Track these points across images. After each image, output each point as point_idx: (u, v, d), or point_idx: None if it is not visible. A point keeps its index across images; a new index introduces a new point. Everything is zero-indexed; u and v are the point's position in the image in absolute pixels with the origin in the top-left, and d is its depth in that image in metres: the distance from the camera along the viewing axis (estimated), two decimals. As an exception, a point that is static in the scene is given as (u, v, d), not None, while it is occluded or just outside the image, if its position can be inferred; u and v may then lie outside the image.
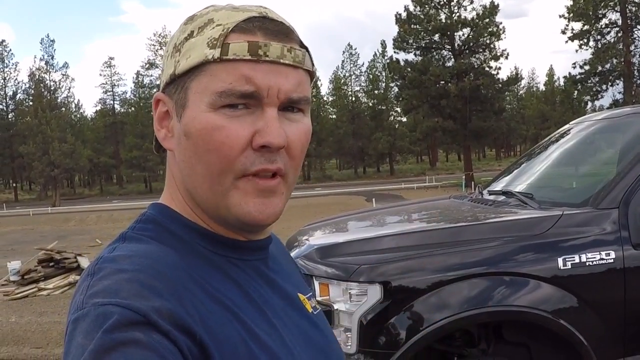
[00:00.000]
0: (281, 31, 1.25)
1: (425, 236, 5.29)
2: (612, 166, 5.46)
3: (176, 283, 1.13)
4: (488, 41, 76.07)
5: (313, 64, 1.33)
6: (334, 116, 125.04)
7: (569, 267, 4.59)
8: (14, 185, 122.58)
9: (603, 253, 4.64)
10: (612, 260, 4.65)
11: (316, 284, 4.85)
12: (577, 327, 4.57)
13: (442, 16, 77.63)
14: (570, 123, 7.28)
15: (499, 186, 6.84)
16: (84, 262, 16.20)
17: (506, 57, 75.88)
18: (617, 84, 67.96)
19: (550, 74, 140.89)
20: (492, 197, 6.43)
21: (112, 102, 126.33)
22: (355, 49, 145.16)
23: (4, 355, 10.06)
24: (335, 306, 4.70)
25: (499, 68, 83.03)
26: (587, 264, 4.61)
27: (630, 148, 5.43)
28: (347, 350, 4.62)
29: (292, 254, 5.40)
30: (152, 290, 1.08)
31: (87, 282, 1.13)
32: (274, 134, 1.20)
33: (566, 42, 72.84)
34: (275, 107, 1.22)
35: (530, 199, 5.67)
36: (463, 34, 77.23)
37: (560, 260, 4.59)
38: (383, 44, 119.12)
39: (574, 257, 4.60)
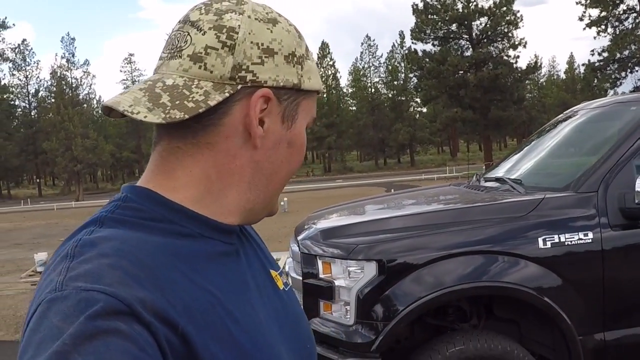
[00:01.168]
0: None
1: (417, 219, 5.65)
2: (598, 153, 5.71)
3: (158, 272, 1.13)
4: (506, 30, 76.04)
5: None
6: (353, 108, 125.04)
7: (549, 246, 4.90)
8: (38, 180, 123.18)
9: (581, 234, 4.94)
10: (590, 241, 4.93)
11: (319, 262, 5.26)
12: (559, 304, 4.86)
13: (459, 5, 77.57)
14: (565, 112, 7.62)
15: (495, 174, 7.16)
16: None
17: (524, 46, 75.76)
18: (637, 71, 67.51)
19: (571, 61, 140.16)
20: (486, 184, 6.79)
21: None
22: (374, 40, 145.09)
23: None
24: (336, 282, 5.08)
25: (518, 57, 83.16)
26: (566, 243, 4.91)
27: (612, 136, 5.75)
28: (346, 321, 5.01)
29: (300, 237, 5.85)
30: (135, 279, 1.08)
31: (66, 263, 1.11)
32: None
33: (584, 29, 72.44)
34: None
35: (519, 184, 6.00)
36: (480, 23, 77.21)
37: (540, 240, 4.91)
38: (401, 35, 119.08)
39: (553, 237, 4.91)
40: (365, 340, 4.91)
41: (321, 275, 5.22)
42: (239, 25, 1.27)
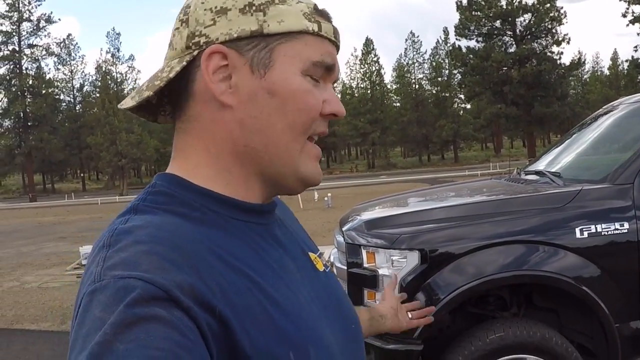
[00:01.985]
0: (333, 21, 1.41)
1: (458, 210, 5.79)
2: (635, 147, 5.75)
3: (194, 256, 1.14)
4: (549, 26, 75.58)
5: None
6: (397, 104, 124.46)
7: (586, 236, 5.01)
8: (82, 175, 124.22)
9: (617, 224, 5.04)
10: (626, 231, 5.04)
11: (363, 252, 5.40)
12: (597, 292, 4.96)
13: (503, 2, 77.23)
14: (605, 106, 7.72)
15: (535, 167, 7.27)
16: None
17: (568, 42, 75.25)
18: (680, 67, 67.06)
19: (614, 57, 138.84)
20: (526, 177, 6.90)
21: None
22: (418, 36, 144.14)
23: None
24: (380, 271, 5.22)
25: (562, 53, 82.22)
26: (602, 234, 5.02)
27: (649, 130, 5.86)
28: (390, 309, 5.16)
29: (344, 228, 5.98)
30: (173, 263, 1.08)
31: (103, 253, 1.12)
32: (341, 106, 1.39)
33: (627, 25, 71.72)
34: (331, 84, 1.41)
35: (558, 177, 6.12)
36: (524, 20, 76.81)
37: (577, 231, 5.02)
38: (445, 31, 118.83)
39: (590, 228, 5.02)
40: (407, 327, 5.01)
41: (365, 265, 5.34)
42: (189, 1, 1.37)
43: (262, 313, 1.17)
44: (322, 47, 1.34)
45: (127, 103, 1.37)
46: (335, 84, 1.47)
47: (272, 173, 1.35)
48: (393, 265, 5.20)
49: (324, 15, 1.36)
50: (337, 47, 1.41)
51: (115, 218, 1.26)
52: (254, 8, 1.29)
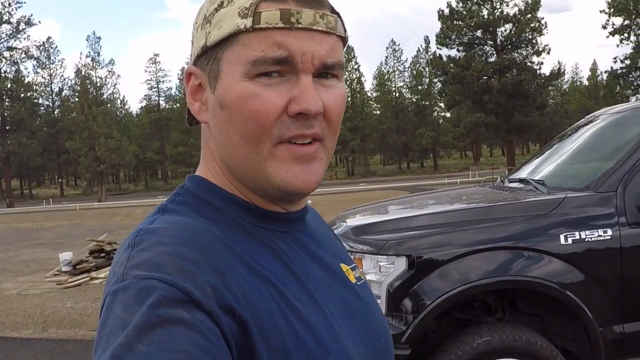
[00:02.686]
0: (313, 0, 1.25)
1: (444, 217, 5.89)
2: (617, 156, 5.90)
3: (218, 257, 1.13)
4: (530, 36, 75.70)
5: (345, 30, 1.33)
6: (377, 112, 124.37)
7: (570, 242, 5.12)
8: (60, 180, 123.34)
9: (601, 231, 5.16)
10: (609, 238, 5.15)
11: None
12: (580, 297, 5.07)
13: (484, 12, 77.37)
14: (586, 117, 7.87)
15: (518, 175, 7.37)
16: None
17: (548, 52, 75.34)
18: (659, 78, 67.56)
19: (594, 68, 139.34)
20: (510, 185, 7.01)
21: (157, 98, 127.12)
22: (399, 44, 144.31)
23: (62, 336, 10.64)
24: (367, 277, 5.16)
25: (542, 63, 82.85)
26: (586, 240, 5.13)
27: (631, 139, 5.93)
28: (376, 314, 5.23)
29: (331, 234, 6.07)
30: (196, 265, 1.08)
31: (127, 253, 1.12)
32: (311, 101, 1.20)
33: (607, 37, 72.26)
34: (310, 74, 1.23)
35: (542, 185, 6.22)
36: (505, 30, 76.86)
37: (562, 237, 5.13)
38: (426, 40, 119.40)
39: (574, 234, 5.13)
40: (395, 331, 5.05)
41: (351, 271, 5.39)
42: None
43: (283, 320, 1.15)
44: (265, 41, 1.20)
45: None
46: (329, 71, 1.28)
47: (252, 185, 1.31)
48: (380, 271, 5.27)
49: None
50: (306, 29, 1.22)
51: (145, 218, 1.27)
52: (205, 20, 1.28)
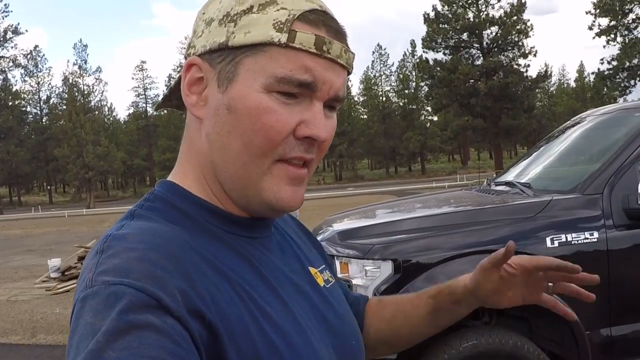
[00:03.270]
0: (340, 31, 1.28)
1: (430, 220, 5.86)
2: (603, 158, 5.89)
3: (187, 263, 1.13)
4: (516, 39, 76.34)
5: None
6: (365, 116, 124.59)
7: (556, 245, 5.08)
8: (49, 187, 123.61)
9: (587, 233, 5.13)
10: (595, 240, 5.12)
11: (337, 263, 5.43)
12: (567, 300, 5.08)
13: (470, 15, 77.99)
14: (573, 119, 7.86)
15: (504, 178, 7.37)
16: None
17: (535, 55, 76.06)
18: (646, 79, 67.78)
19: (581, 70, 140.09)
20: (497, 188, 6.99)
21: (144, 105, 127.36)
22: (385, 48, 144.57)
23: (51, 342, 10.62)
24: (354, 281, 5.26)
25: (528, 65, 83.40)
26: (572, 243, 5.11)
27: (617, 141, 5.93)
28: (363, 319, 5.20)
29: (318, 238, 6.04)
30: (164, 270, 1.07)
31: (95, 259, 1.11)
32: (322, 128, 1.24)
33: (594, 38, 72.50)
34: (322, 102, 1.26)
35: (528, 187, 6.21)
36: (491, 32, 77.54)
37: (548, 240, 5.11)
38: (413, 44, 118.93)
39: (560, 237, 5.11)
40: (381, 336, 5.06)
41: (339, 275, 5.36)
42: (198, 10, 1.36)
43: (253, 324, 1.16)
44: (294, 61, 1.20)
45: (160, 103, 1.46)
46: (334, 104, 1.32)
47: (236, 195, 1.31)
48: (367, 275, 5.24)
49: (313, 22, 1.24)
50: (332, 60, 1.25)
51: (114, 224, 1.26)
52: (229, 19, 1.25)
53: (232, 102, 1.23)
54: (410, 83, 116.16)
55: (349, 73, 1.34)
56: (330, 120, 1.30)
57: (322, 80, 1.23)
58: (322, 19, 1.25)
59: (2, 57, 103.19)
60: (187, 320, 1.04)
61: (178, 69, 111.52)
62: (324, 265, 1.61)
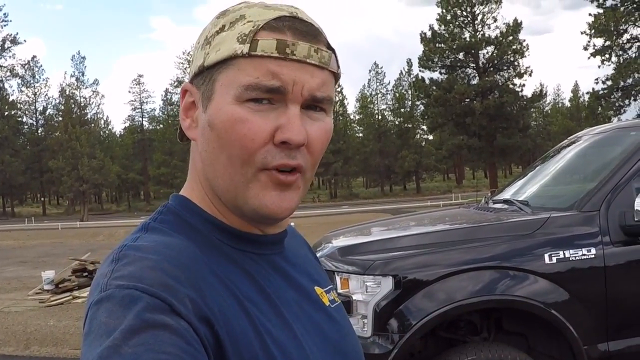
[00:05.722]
0: (309, 32, 1.29)
1: (430, 237, 5.94)
2: (600, 176, 5.96)
3: (197, 275, 1.17)
4: (512, 59, 76.27)
5: (339, 66, 1.38)
6: (360, 135, 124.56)
7: (555, 262, 5.17)
8: (42, 199, 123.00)
9: (585, 250, 5.21)
10: (593, 256, 5.21)
11: (338, 279, 5.48)
12: (565, 316, 5.10)
13: (467, 35, 78.01)
14: (569, 138, 7.97)
15: (502, 196, 7.44)
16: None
17: (530, 74, 75.95)
18: (640, 99, 67.86)
19: (575, 89, 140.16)
20: (495, 205, 7.06)
21: (140, 119, 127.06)
22: (382, 67, 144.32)
23: (45, 354, 10.66)
24: (354, 297, 5.31)
25: (524, 85, 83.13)
26: (570, 259, 5.19)
27: (613, 159, 6.03)
28: (363, 334, 5.22)
29: (317, 255, 6.09)
30: (175, 280, 1.11)
31: (111, 267, 1.15)
32: (295, 131, 1.24)
33: (588, 58, 72.42)
34: (298, 105, 1.26)
35: (526, 205, 6.29)
36: (487, 52, 77.41)
37: (546, 256, 5.19)
38: (409, 63, 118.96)
39: (558, 253, 5.18)
40: (382, 351, 5.10)
41: (339, 290, 5.39)
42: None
43: (256, 339, 1.19)
44: (259, 69, 1.24)
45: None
46: (317, 104, 1.32)
47: (231, 207, 1.34)
48: (367, 291, 5.29)
49: (277, 28, 1.27)
50: (300, 61, 1.26)
51: (128, 235, 1.31)
52: (206, 41, 1.32)
53: (211, 119, 1.28)
54: (406, 102, 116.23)
55: (336, 73, 1.37)
56: (317, 122, 1.32)
57: (291, 82, 1.24)
58: (287, 24, 1.28)
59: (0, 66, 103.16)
60: (197, 325, 1.08)
61: (175, 84, 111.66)
62: (331, 286, 1.63)
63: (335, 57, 1.36)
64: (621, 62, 67.19)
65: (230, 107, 1.24)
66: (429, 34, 78.33)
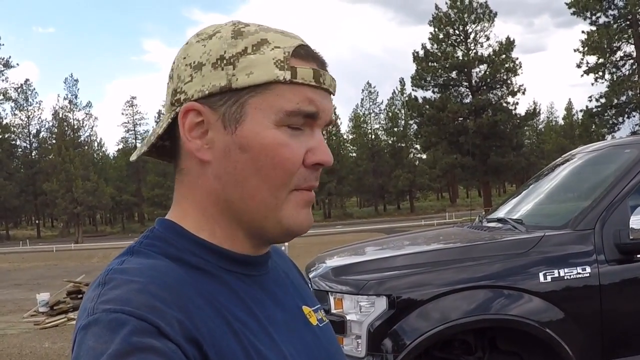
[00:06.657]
0: (325, 62, 1.37)
1: (424, 256, 5.93)
2: (594, 194, 5.97)
3: (184, 297, 1.17)
4: (505, 77, 76.63)
5: None
6: (354, 154, 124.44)
7: (549, 280, 5.16)
8: (37, 222, 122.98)
9: (580, 268, 5.20)
10: (588, 275, 5.19)
11: (331, 299, 5.47)
12: (560, 335, 5.09)
13: (459, 53, 78.41)
14: (563, 156, 7.97)
15: (496, 215, 7.43)
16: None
17: (523, 93, 76.32)
18: (634, 116, 67.82)
19: (569, 107, 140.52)
20: (489, 224, 7.05)
21: (134, 140, 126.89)
22: (374, 87, 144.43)
23: (40, 377, 10.68)
24: (348, 317, 5.29)
25: (517, 103, 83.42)
26: (565, 278, 5.17)
27: (608, 177, 6.03)
28: (357, 354, 5.21)
29: (311, 275, 6.05)
30: (163, 302, 1.11)
31: (97, 291, 1.15)
32: (328, 154, 1.32)
33: (582, 75, 72.80)
34: (321, 129, 1.34)
35: (520, 224, 6.26)
36: (480, 71, 77.85)
37: (541, 275, 5.17)
38: (402, 82, 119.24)
39: (553, 272, 5.17)
40: (376, 371, 5.05)
41: (333, 311, 5.40)
42: (176, 56, 1.39)
43: (245, 359, 1.18)
44: (298, 95, 1.27)
45: (139, 150, 1.42)
46: (328, 128, 1.44)
47: (254, 226, 1.34)
48: (361, 310, 5.27)
49: (305, 57, 1.32)
50: (326, 89, 1.34)
51: (114, 259, 1.30)
52: (224, 62, 1.29)
53: (244, 141, 1.27)
54: (399, 121, 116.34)
55: None
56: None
57: (322, 109, 1.31)
58: (310, 54, 1.33)
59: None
60: (185, 347, 1.08)
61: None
62: (318, 305, 1.63)
63: None
64: (614, 79, 67.56)
65: (271, 131, 1.27)
66: (421, 52, 78.80)
